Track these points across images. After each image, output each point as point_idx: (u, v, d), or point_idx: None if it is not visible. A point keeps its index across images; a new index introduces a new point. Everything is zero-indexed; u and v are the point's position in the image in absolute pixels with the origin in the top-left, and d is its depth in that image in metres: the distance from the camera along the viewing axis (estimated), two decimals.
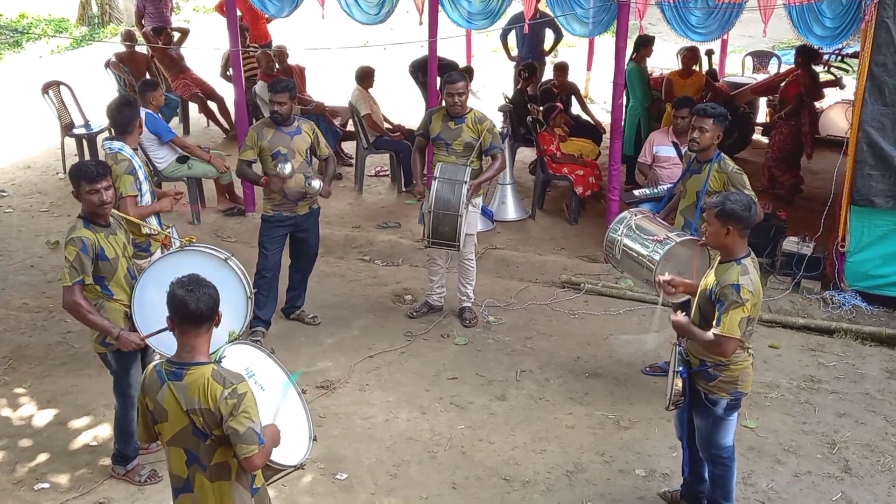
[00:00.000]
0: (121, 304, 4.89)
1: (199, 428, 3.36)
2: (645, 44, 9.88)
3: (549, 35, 12.09)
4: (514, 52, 12.31)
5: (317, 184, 6.45)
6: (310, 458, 3.99)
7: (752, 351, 4.47)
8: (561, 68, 10.66)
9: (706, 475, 4.80)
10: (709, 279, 4.37)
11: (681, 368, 4.44)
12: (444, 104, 6.75)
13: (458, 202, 6.35)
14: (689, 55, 10.02)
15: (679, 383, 4.42)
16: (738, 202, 4.23)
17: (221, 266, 5.07)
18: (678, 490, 4.97)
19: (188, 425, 3.37)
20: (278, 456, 3.62)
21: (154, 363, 3.51)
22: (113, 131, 5.95)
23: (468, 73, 11.89)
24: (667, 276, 4.77)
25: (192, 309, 3.35)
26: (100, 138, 10.37)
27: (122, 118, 5.72)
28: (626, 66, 9.34)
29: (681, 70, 9.97)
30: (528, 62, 10.83)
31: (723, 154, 5.68)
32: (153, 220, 5.71)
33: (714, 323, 4.21)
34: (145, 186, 5.69)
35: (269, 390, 3.81)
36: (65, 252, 4.71)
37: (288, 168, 6.30)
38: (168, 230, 5.73)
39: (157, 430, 3.52)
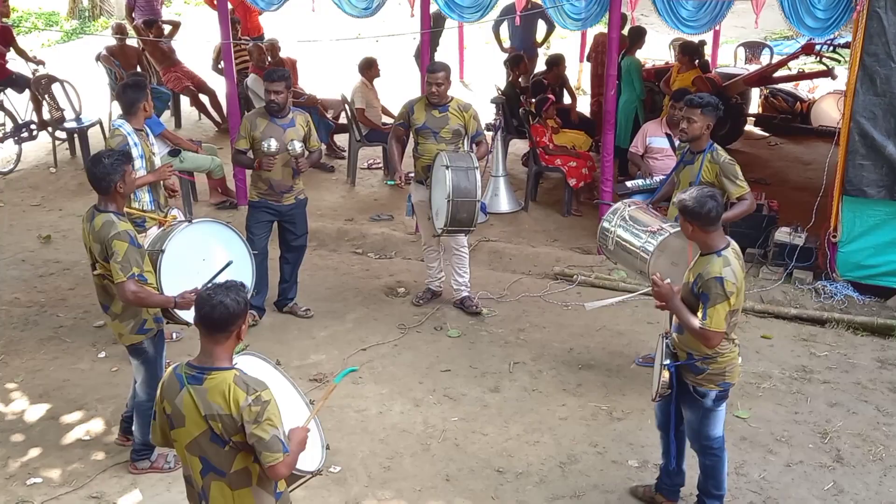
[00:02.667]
0: (151, 286, 4.87)
1: (217, 434, 3.31)
2: (640, 36, 9.83)
3: (542, 26, 12.06)
4: (507, 45, 12.28)
5: (298, 145, 6.45)
6: (324, 465, 3.96)
7: (737, 342, 4.49)
8: (556, 62, 10.59)
9: (684, 467, 4.82)
10: (691, 272, 4.39)
11: (668, 361, 4.46)
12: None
13: (474, 188, 6.43)
14: (687, 54, 9.82)
15: (666, 375, 4.44)
16: (693, 199, 4.25)
17: (225, 229, 5.48)
18: (650, 485, 4.98)
19: (206, 431, 3.32)
20: (298, 462, 3.62)
21: (174, 366, 3.46)
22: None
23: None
24: (659, 279, 4.45)
25: (204, 313, 3.34)
26: (92, 131, 10.38)
27: (126, 98, 5.92)
28: (623, 60, 9.32)
29: (681, 66, 9.84)
30: (515, 54, 10.79)
31: (716, 145, 5.67)
32: (146, 198, 5.84)
33: (700, 317, 4.22)
34: (138, 163, 5.76)
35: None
36: (112, 248, 4.60)
37: (274, 144, 6.33)
38: (170, 210, 5.91)
39: (172, 437, 3.47)
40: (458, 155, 6.58)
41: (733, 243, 4.40)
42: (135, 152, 5.76)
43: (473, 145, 6.87)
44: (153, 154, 6.00)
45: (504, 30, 12.38)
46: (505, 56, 11.92)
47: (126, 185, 4.74)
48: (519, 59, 10.49)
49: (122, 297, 4.70)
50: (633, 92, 9.62)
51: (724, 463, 4.66)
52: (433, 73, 6.64)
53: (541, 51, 12.70)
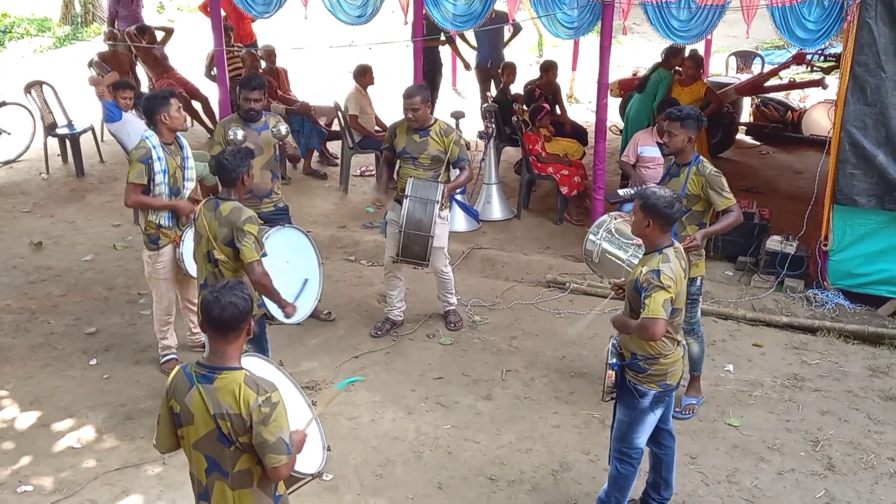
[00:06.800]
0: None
1: (224, 434, 3.32)
2: (675, 54, 9.54)
3: (507, 31, 12.06)
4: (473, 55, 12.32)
5: (283, 128, 6.46)
6: (325, 467, 3.97)
7: (683, 344, 4.56)
8: (547, 68, 10.58)
9: (672, 480, 4.83)
10: (635, 272, 4.46)
11: (613, 361, 4.51)
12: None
13: (429, 223, 6.30)
14: (690, 63, 9.58)
15: (612, 375, 4.50)
16: (662, 198, 4.33)
17: (303, 237, 5.97)
18: (636, 500, 4.97)
19: (213, 430, 3.34)
20: (298, 464, 3.62)
21: (183, 365, 3.47)
22: None
23: None
24: (618, 281, 4.94)
25: (214, 316, 3.34)
26: (84, 137, 10.35)
27: (144, 110, 6.15)
28: (656, 73, 9.26)
29: (682, 78, 9.63)
30: (508, 62, 10.80)
31: (701, 157, 5.67)
32: (164, 214, 5.95)
33: (641, 309, 4.28)
34: (159, 178, 5.87)
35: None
36: (245, 230, 4.96)
37: (240, 134, 6.30)
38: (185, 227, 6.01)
39: (180, 434, 3.48)
40: (423, 184, 6.40)
41: (677, 244, 4.50)
42: (156, 166, 5.83)
43: (457, 171, 6.67)
44: (181, 168, 6.00)
45: (470, 34, 12.26)
46: (474, 64, 12.04)
47: (250, 178, 5.13)
48: (508, 66, 10.50)
49: (251, 274, 5.03)
50: (651, 103, 9.17)
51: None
52: (409, 97, 6.39)
53: (533, 57, 12.73)
